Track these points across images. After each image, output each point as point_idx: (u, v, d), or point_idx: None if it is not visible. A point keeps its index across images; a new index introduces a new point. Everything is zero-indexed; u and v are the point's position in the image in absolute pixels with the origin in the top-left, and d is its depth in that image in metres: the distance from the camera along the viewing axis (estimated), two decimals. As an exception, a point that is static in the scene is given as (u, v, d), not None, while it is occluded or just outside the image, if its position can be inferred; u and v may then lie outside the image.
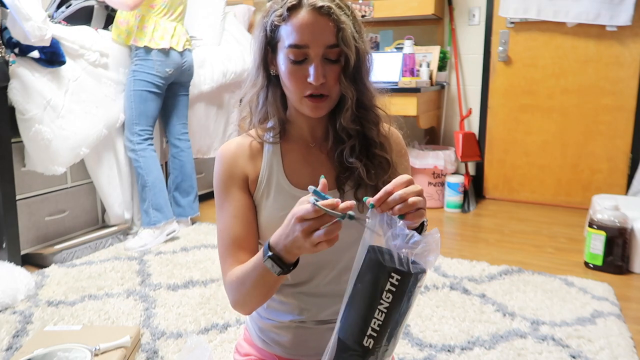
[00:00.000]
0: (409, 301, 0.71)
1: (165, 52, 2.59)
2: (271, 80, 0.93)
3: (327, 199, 0.68)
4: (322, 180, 0.73)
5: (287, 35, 0.84)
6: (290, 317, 0.95)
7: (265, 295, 0.84)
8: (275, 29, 0.87)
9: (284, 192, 0.92)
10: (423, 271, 0.71)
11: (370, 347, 0.70)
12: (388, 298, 0.69)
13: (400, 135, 1.00)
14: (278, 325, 0.97)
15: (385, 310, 0.69)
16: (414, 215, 0.71)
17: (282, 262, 0.75)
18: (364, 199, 0.72)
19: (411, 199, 0.70)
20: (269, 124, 0.95)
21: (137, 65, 2.59)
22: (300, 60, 0.85)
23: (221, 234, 0.92)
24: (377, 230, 0.70)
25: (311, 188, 0.70)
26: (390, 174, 0.90)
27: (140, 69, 2.58)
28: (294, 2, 0.83)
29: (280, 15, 0.84)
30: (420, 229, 0.80)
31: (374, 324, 0.70)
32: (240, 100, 0.98)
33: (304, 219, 0.69)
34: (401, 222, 0.70)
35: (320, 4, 0.82)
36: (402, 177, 0.73)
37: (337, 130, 0.91)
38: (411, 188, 0.71)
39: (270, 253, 0.75)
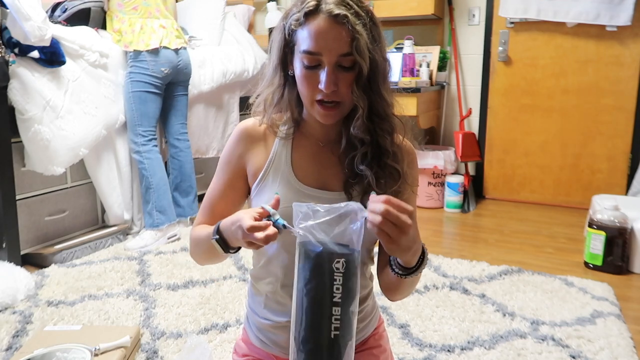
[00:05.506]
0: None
1: (156, 51, 2.59)
2: (288, 79, 0.94)
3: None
4: (276, 196, 0.82)
5: (302, 41, 0.86)
6: (287, 317, 0.95)
7: (211, 260, 0.99)
8: (292, 32, 0.88)
9: (288, 185, 0.93)
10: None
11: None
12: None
13: (413, 147, 0.99)
14: (275, 325, 0.98)
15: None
16: (380, 234, 0.73)
17: (225, 244, 0.86)
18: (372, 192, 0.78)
19: (393, 222, 0.72)
20: (284, 119, 0.96)
21: (132, 67, 2.58)
22: (313, 65, 0.85)
23: (207, 194, 1.02)
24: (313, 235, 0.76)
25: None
26: (400, 184, 0.91)
27: (135, 70, 2.57)
28: (311, 8, 0.84)
29: (298, 20, 0.85)
30: (419, 263, 0.84)
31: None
32: (248, 99, 1.00)
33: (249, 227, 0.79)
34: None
35: (336, 11, 0.82)
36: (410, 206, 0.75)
37: (350, 136, 0.91)
38: (405, 217, 0.72)
39: (217, 236, 0.86)
